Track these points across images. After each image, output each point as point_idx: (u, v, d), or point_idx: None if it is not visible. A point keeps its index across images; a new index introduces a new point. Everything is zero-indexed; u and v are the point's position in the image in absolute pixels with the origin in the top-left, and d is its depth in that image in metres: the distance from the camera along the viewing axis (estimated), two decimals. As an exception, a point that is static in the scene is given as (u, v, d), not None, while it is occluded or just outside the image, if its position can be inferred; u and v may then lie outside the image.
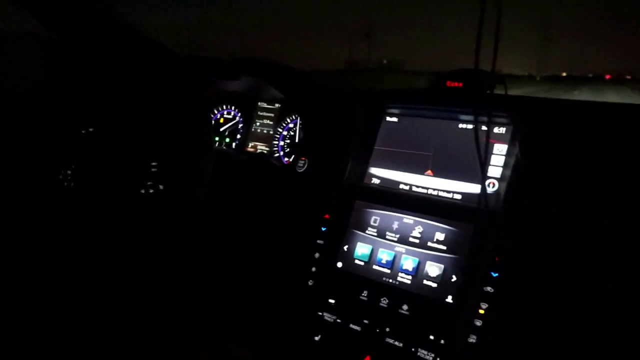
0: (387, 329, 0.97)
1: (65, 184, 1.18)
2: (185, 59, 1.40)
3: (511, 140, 1.02)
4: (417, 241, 1.01)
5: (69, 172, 1.19)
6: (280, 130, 1.47)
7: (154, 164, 1.07)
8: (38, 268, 1.16)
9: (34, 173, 1.22)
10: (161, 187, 1.06)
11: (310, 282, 1.08)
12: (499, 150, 1.03)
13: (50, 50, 1.30)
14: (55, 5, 1.15)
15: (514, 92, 1.19)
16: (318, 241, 1.11)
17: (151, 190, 1.06)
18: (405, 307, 0.97)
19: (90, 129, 1.24)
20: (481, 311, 0.90)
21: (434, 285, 0.96)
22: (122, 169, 1.11)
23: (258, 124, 1.53)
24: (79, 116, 1.26)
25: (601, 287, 0.87)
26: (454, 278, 0.95)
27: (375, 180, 1.14)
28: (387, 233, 1.05)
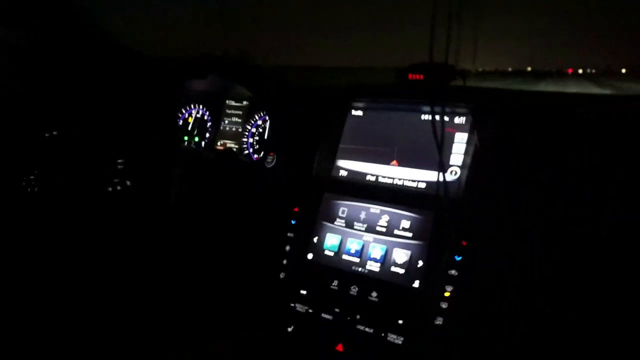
0: (358, 316, 0.99)
1: (29, 189, 1.16)
2: (151, 59, 1.39)
3: (470, 129, 1.06)
4: (384, 230, 1.04)
5: (31, 177, 1.17)
6: (249, 127, 1.47)
7: (120, 161, 1.07)
8: (6, 274, 1.14)
9: None
10: (128, 183, 1.05)
11: (281, 275, 1.10)
12: (460, 139, 1.06)
13: (16, 55, 1.28)
14: (21, 9, 1.14)
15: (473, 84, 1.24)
16: (288, 234, 1.12)
17: (118, 187, 1.05)
18: (374, 294, 1.00)
19: (54, 132, 1.23)
20: (447, 294, 0.93)
21: (402, 271, 0.99)
22: (87, 169, 1.10)
23: (227, 121, 1.53)
24: (42, 120, 1.24)
25: (561, 267, 0.92)
26: (421, 263, 0.98)
27: (343, 172, 1.17)
28: (355, 223, 1.07)
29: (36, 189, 1.16)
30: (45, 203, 1.15)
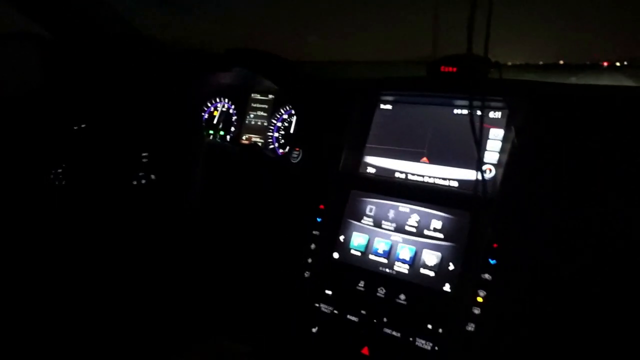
0: (385, 319, 0.95)
1: (57, 182, 1.17)
2: (176, 52, 1.38)
3: (507, 124, 1.00)
4: (413, 230, 1.00)
5: (59, 170, 1.18)
6: (274, 121, 1.45)
7: (144, 154, 1.06)
8: (31, 267, 1.15)
9: (24, 173, 1.21)
10: (153, 177, 1.04)
11: (306, 274, 1.07)
12: (495, 136, 1.01)
13: (45, 49, 1.29)
14: (49, 5, 1.14)
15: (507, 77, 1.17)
16: (314, 232, 1.09)
17: (143, 181, 1.04)
18: (402, 296, 0.96)
19: (83, 125, 1.23)
20: (479, 299, 0.89)
21: (432, 274, 0.95)
22: (113, 162, 1.10)
23: (252, 115, 1.51)
24: (70, 113, 1.25)
25: (601, 274, 0.86)
26: (452, 266, 0.94)
27: (371, 169, 1.13)
28: (383, 222, 1.03)
29: (64, 182, 1.16)
30: (72, 196, 1.16)
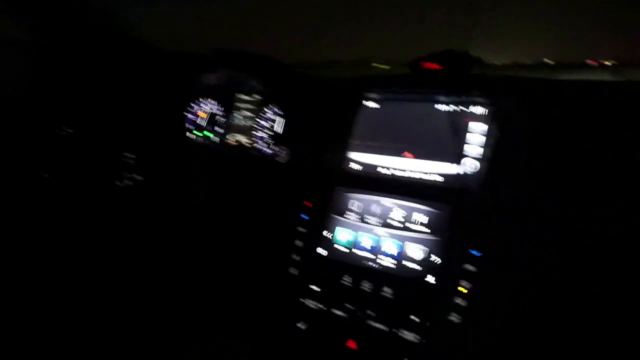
0: (370, 313, 0.96)
1: (43, 184, 1.16)
2: (162, 52, 1.38)
3: (491, 120, 1.01)
4: (398, 224, 1.01)
5: (45, 174, 1.17)
6: (260, 121, 1.45)
7: (131, 156, 1.05)
8: (18, 269, 1.14)
9: (11, 176, 1.19)
10: (139, 177, 1.04)
11: (292, 270, 1.07)
12: (478, 130, 1.02)
13: (31, 53, 1.28)
14: (35, 9, 1.13)
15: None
16: (299, 229, 1.09)
17: (129, 182, 1.04)
18: (387, 290, 0.96)
19: (69, 130, 1.22)
20: (463, 290, 0.89)
21: (417, 267, 0.96)
22: (98, 163, 1.09)
23: (237, 115, 1.51)
24: (57, 117, 1.24)
25: (582, 263, 0.87)
26: (436, 259, 0.95)
27: (355, 166, 1.13)
28: (368, 217, 1.04)
29: (50, 184, 1.15)
30: (58, 197, 1.15)
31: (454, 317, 0.88)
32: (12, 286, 1.14)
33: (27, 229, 1.16)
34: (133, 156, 1.10)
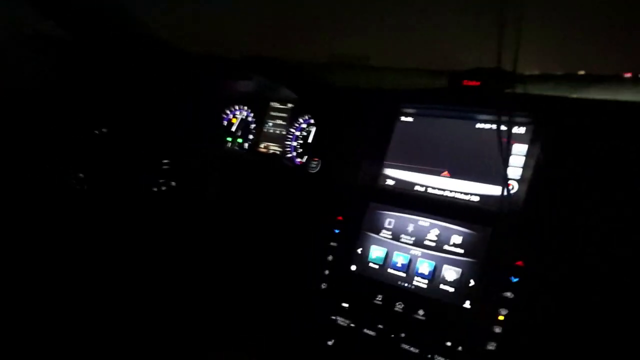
0: (402, 335, 0.94)
1: (78, 187, 1.18)
2: (196, 58, 1.39)
3: (531, 140, 0.99)
4: (433, 244, 0.99)
5: (80, 175, 1.19)
6: (293, 130, 1.45)
7: (165, 161, 1.06)
8: (53, 270, 1.16)
9: (46, 177, 1.22)
10: (173, 183, 1.05)
11: (323, 286, 1.06)
12: (518, 151, 0.99)
13: (64, 52, 1.31)
14: (70, 7, 1.16)
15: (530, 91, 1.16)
16: (331, 243, 1.08)
17: (163, 188, 1.05)
18: (421, 312, 0.94)
19: (104, 130, 1.24)
20: (500, 317, 0.87)
21: (451, 289, 0.94)
22: (134, 168, 1.11)
23: (270, 124, 1.51)
24: (91, 117, 1.26)
25: (628, 293, 0.84)
26: (472, 283, 0.92)
27: (390, 182, 1.12)
28: (402, 236, 1.02)
29: (85, 186, 1.18)
30: (93, 201, 1.17)
31: (490, 345, 0.86)
32: (44, 284, 1.16)
33: (61, 231, 1.18)
34: (171, 162, 1.11)
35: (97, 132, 1.25)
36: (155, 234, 1.11)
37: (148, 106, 1.24)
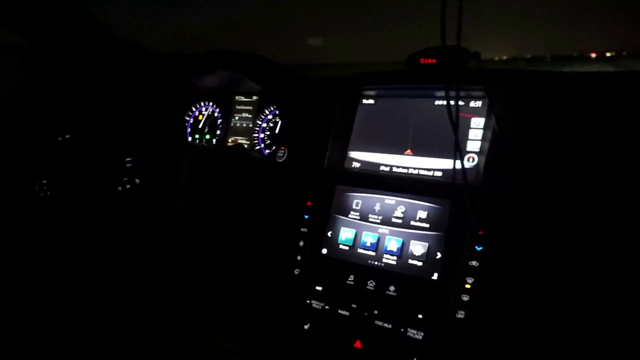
0: (376, 312, 0.96)
1: (42, 194, 1.16)
2: (158, 56, 1.38)
3: (487, 113, 1.01)
4: (400, 221, 1.00)
5: (44, 181, 1.17)
6: (260, 122, 1.45)
7: (128, 159, 1.06)
8: (20, 278, 1.14)
9: (9, 185, 1.20)
10: (137, 181, 1.04)
11: (296, 271, 1.07)
12: (477, 124, 1.02)
13: (26, 60, 1.28)
14: (27, 15, 1.14)
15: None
16: (302, 229, 1.09)
17: (128, 186, 1.04)
18: (392, 288, 0.96)
19: (67, 136, 1.22)
20: (468, 286, 0.89)
21: (419, 264, 0.95)
22: (97, 169, 1.10)
23: (237, 118, 1.51)
24: (54, 124, 1.25)
25: (586, 259, 0.86)
26: (439, 255, 0.94)
27: (356, 164, 1.13)
28: (370, 215, 1.04)
29: (49, 192, 1.16)
30: (58, 206, 1.15)
31: (459, 314, 0.88)
32: (12, 291, 1.14)
33: (27, 239, 1.17)
34: (131, 159, 1.10)
35: (60, 138, 1.23)
36: (125, 232, 1.10)
37: (110, 106, 1.23)
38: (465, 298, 0.89)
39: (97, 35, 1.28)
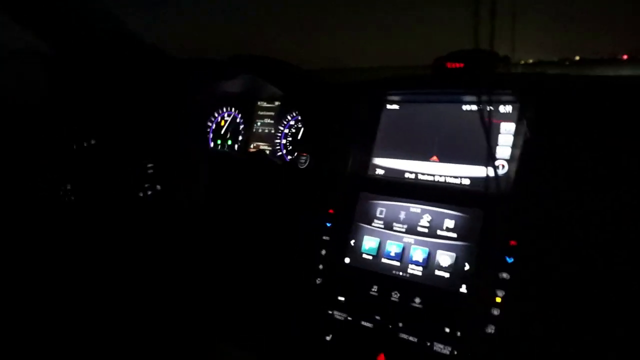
0: (400, 324, 0.92)
1: (66, 199, 1.17)
2: (181, 61, 1.39)
3: (518, 118, 0.97)
4: (426, 230, 0.97)
5: (68, 187, 1.18)
6: (281, 128, 1.44)
7: (150, 165, 1.05)
8: (43, 283, 1.15)
9: (35, 191, 1.22)
10: (159, 187, 1.04)
11: (318, 280, 1.05)
12: (506, 130, 0.98)
13: (49, 65, 1.30)
14: (51, 21, 1.15)
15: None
16: (324, 237, 1.07)
17: (149, 192, 1.04)
18: (417, 300, 0.93)
19: (92, 141, 1.24)
20: (498, 299, 0.85)
21: (446, 275, 0.92)
22: (119, 175, 1.10)
23: (259, 123, 1.50)
24: (79, 129, 1.26)
25: (623, 270, 0.82)
26: (467, 266, 0.90)
27: (380, 171, 1.10)
28: (394, 224, 1.01)
29: (73, 198, 1.17)
30: (81, 211, 1.16)
31: (488, 328, 0.84)
32: (33, 294, 1.15)
33: (51, 244, 1.18)
34: (153, 165, 1.10)
35: (85, 144, 1.24)
36: (146, 238, 1.10)
37: (133, 111, 1.23)
38: (496, 312, 0.84)
39: (120, 39, 1.29)
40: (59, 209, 1.16)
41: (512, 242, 0.87)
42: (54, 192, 1.18)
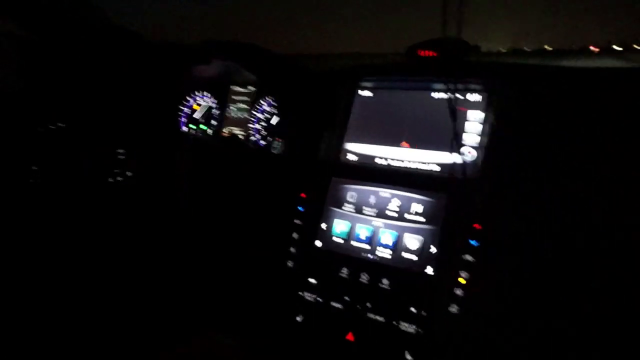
0: (369, 305, 0.95)
1: (31, 180, 1.15)
2: (154, 45, 1.36)
3: (486, 107, 1.00)
4: (395, 214, 1.00)
5: (35, 169, 1.16)
6: (255, 113, 1.43)
7: (120, 151, 1.04)
8: (8, 267, 1.13)
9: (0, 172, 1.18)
10: (129, 173, 1.03)
11: (289, 263, 1.07)
12: (475, 118, 1.00)
13: (24, 49, 1.26)
14: (28, 4, 1.12)
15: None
16: (295, 221, 1.08)
17: (119, 178, 1.03)
18: (385, 281, 0.95)
19: (60, 124, 1.21)
20: (462, 280, 0.89)
21: (414, 257, 0.95)
22: (89, 160, 1.08)
23: (233, 108, 1.49)
24: (48, 112, 1.23)
25: (582, 253, 0.86)
26: (433, 249, 0.94)
27: (351, 156, 1.12)
28: (365, 208, 1.03)
29: (39, 181, 1.14)
30: (48, 194, 1.14)
31: (452, 308, 0.88)
32: (9, 282, 1.13)
33: (17, 226, 1.15)
34: (126, 151, 1.09)
35: (53, 127, 1.21)
36: (116, 222, 1.09)
37: (104, 96, 1.21)
38: (459, 292, 0.88)
39: (93, 22, 1.26)
40: (24, 190, 1.13)
41: (477, 226, 0.90)
42: (20, 173, 1.16)
